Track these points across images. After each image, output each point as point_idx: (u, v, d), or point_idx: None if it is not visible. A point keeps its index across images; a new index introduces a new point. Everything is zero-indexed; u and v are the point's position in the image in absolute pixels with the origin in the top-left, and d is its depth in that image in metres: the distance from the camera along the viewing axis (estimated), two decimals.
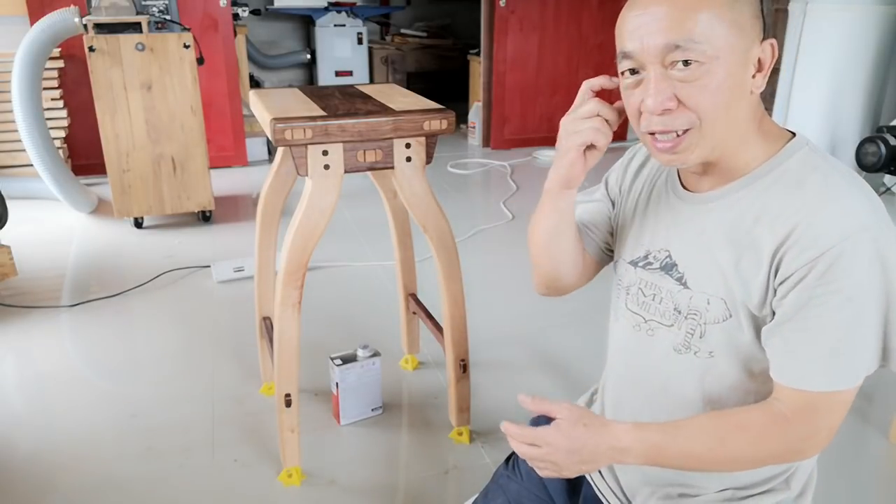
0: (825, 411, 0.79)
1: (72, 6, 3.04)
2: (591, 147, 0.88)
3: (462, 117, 3.99)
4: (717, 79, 0.76)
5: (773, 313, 0.79)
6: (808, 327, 0.76)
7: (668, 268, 0.89)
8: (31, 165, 3.21)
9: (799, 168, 0.80)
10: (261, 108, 1.47)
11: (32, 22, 3.37)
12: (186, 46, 3.00)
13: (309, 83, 6.42)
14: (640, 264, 0.94)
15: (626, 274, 0.96)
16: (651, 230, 0.93)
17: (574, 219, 1.00)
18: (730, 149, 0.82)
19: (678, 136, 0.79)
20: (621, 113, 0.88)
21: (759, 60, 0.80)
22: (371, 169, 1.44)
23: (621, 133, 5.11)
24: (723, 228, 0.83)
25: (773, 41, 0.80)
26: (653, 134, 0.81)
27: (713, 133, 0.79)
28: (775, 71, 4.16)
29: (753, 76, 0.79)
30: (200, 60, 3.06)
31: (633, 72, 0.80)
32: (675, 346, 0.88)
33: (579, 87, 0.88)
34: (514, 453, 1.17)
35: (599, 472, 1.02)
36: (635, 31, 0.78)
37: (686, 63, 0.75)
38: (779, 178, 0.81)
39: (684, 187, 0.91)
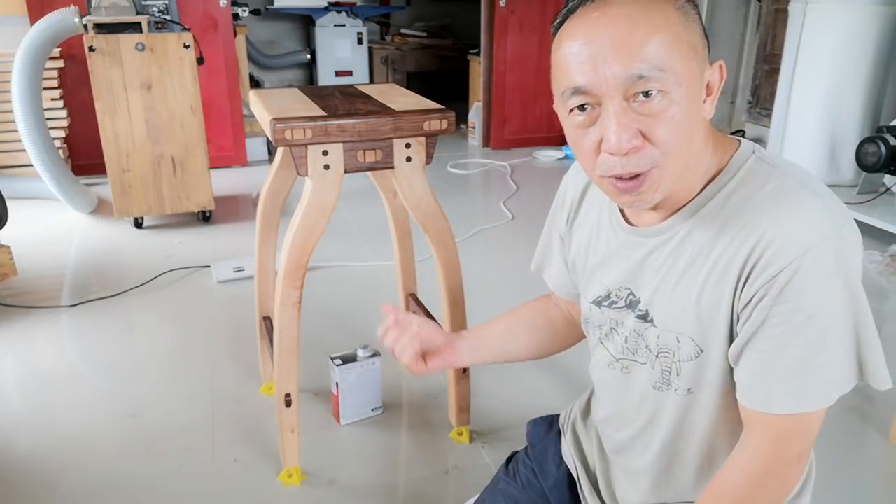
0: (795, 435, 0.75)
1: (72, 6, 3.04)
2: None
3: (462, 117, 3.99)
4: (680, 109, 0.69)
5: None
6: (770, 348, 0.72)
7: (633, 305, 0.85)
8: (31, 165, 3.21)
9: (748, 181, 0.75)
10: (261, 108, 1.47)
11: (32, 22, 3.37)
12: (186, 46, 3.00)
13: (309, 83, 6.42)
14: (605, 304, 0.90)
15: (593, 314, 0.93)
16: (607, 269, 0.89)
17: (497, 340, 1.09)
18: (686, 180, 0.76)
19: (641, 174, 0.72)
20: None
21: (709, 84, 0.74)
22: (371, 169, 1.44)
23: None
24: (680, 261, 0.78)
25: (722, 62, 0.75)
26: (614, 177, 0.73)
27: (676, 168, 0.72)
28: (775, 71, 4.16)
29: (704, 101, 0.74)
30: (200, 60, 3.06)
31: (583, 108, 0.72)
32: (654, 384, 0.85)
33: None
34: (513, 456, 1.17)
35: (597, 492, 1.01)
36: (587, 62, 0.68)
37: (647, 94, 0.68)
38: (729, 196, 0.75)
39: (628, 222, 0.85)
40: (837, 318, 0.71)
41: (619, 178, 0.73)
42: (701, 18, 0.74)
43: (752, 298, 0.72)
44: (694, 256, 0.77)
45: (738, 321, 0.75)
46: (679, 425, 0.85)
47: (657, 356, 0.83)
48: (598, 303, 0.91)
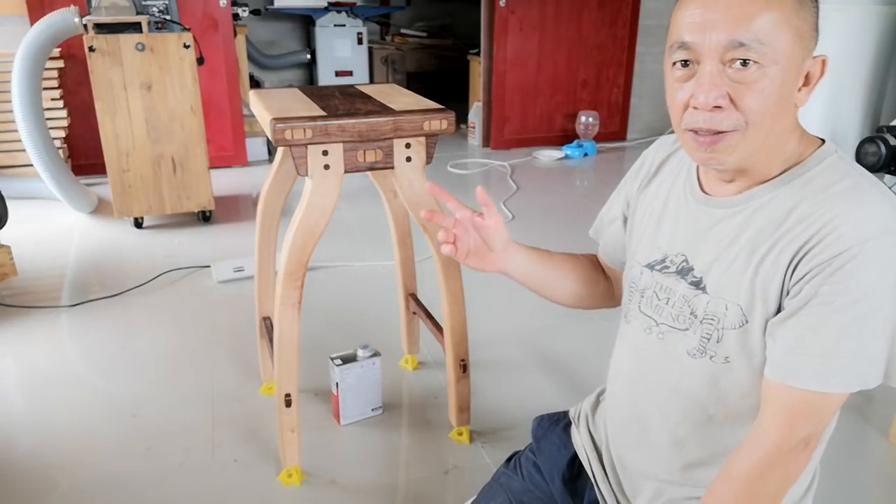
0: (809, 416, 0.77)
1: (72, 6, 3.04)
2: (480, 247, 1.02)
3: (462, 117, 3.99)
4: (772, 84, 0.75)
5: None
6: (808, 324, 0.75)
7: (685, 272, 0.88)
8: (31, 165, 3.21)
9: (827, 174, 0.79)
10: (261, 108, 1.47)
11: (32, 22, 3.37)
12: (186, 46, 3.00)
13: (309, 83, 6.42)
14: (657, 267, 0.93)
15: (642, 277, 0.95)
16: (669, 234, 0.92)
17: (544, 268, 1.06)
18: (764, 157, 0.80)
19: (721, 133, 0.77)
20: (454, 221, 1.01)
21: (808, 75, 0.79)
22: (371, 169, 1.44)
23: (621, 133, 5.11)
24: (745, 234, 0.82)
25: (826, 58, 0.80)
26: (695, 131, 0.79)
27: (755, 139, 0.77)
28: None
29: (799, 89, 0.78)
30: (200, 60, 3.06)
31: (685, 64, 0.78)
32: (689, 350, 0.87)
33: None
34: (515, 454, 1.17)
35: (604, 470, 1.02)
36: (698, 24, 0.75)
37: (744, 63, 0.74)
38: (805, 183, 0.79)
39: (703, 191, 0.90)
40: (880, 310, 0.73)
41: (698, 134, 0.78)
42: (817, 12, 0.79)
43: (805, 275, 0.75)
44: (760, 231, 0.81)
45: (787, 295, 0.78)
46: (706, 395, 0.87)
47: (701, 322, 0.85)
48: (650, 266, 0.94)
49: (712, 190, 0.88)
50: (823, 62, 0.80)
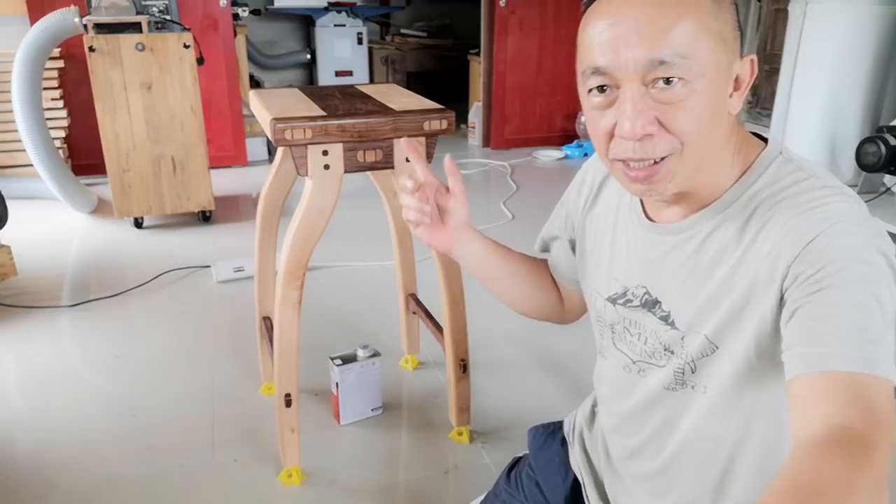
0: (874, 397, 0.59)
1: (72, 6, 3.05)
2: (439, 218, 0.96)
3: (462, 117, 3.99)
4: (702, 99, 0.67)
5: (773, 341, 0.71)
6: (827, 302, 0.63)
7: (650, 305, 0.83)
8: (31, 165, 3.21)
9: (773, 183, 0.73)
10: (261, 108, 1.47)
11: (32, 22, 3.37)
12: (186, 46, 3.00)
13: (309, 83, 6.42)
14: (620, 301, 0.87)
15: (607, 311, 0.90)
16: (623, 265, 0.86)
17: (498, 262, 1.03)
18: (706, 175, 0.74)
19: (655, 163, 0.70)
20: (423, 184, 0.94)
21: (738, 78, 0.71)
22: (371, 169, 1.44)
23: None
24: (702, 261, 0.76)
25: (754, 57, 0.73)
26: (624, 161, 0.71)
27: (693, 159, 0.70)
28: (775, 71, 4.16)
29: (731, 95, 0.71)
30: (200, 60, 3.06)
31: (602, 90, 0.70)
32: (667, 385, 0.83)
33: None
34: (515, 465, 1.14)
35: (604, 498, 0.99)
36: (609, 43, 0.67)
37: (668, 81, 0.66)
38: (753, 197, 0.73)
39: (648, 217, 0.83)
40: (886, 282, 0.64)
41: (629, 165, 0.71)
42: (737, 9, 0.71)
43: (787, 287, 0.68)
44: (718, 256, 0.75)
45: (780, 306, 0.69)
46: (692, 429, 0.83)
47: (674, 354, 0.81)
48: (613, 300, 0.88)
49: (657, 215, 0.82)
50: (752, 62, 0.72)
